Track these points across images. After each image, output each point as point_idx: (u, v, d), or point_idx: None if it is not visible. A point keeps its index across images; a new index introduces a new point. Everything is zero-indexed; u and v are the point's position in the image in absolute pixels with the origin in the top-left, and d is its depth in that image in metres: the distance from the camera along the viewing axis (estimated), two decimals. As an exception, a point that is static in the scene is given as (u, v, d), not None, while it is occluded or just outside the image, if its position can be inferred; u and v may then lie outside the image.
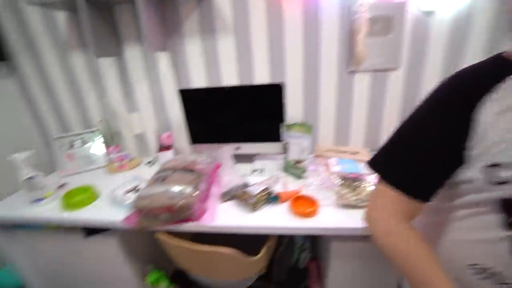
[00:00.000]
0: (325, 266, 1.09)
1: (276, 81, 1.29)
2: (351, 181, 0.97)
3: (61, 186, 1.26)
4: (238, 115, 1.26)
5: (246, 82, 1.33)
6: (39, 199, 1.12)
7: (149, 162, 1.45)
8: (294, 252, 1.35)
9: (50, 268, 1.27)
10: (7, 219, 1.10)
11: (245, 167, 1.28)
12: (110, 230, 1.08)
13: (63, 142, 1.45)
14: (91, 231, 1.09)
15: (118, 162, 1.39)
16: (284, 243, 1.34)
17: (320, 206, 0.94)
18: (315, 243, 1.37)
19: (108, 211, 1.04)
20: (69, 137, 1.46)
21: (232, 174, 1.09)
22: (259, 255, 0.94)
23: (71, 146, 1.45)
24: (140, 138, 1.54)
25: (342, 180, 0.98)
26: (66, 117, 1.57)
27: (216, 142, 1.31)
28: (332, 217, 0.89)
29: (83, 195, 1.10)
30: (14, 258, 1.23)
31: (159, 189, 0.93)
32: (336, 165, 1.03)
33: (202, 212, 0.93)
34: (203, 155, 1.18)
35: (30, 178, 1.08)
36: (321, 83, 1.29)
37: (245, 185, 1.06)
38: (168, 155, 1.34)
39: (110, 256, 1.13)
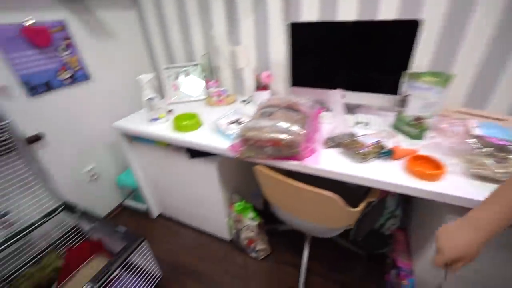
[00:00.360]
0: (420, 239, 0.98)
1: (406, 17, 1.06)
2: (497, 149, 0.77)
3: (169, 111, 1.39)
4: (351, 57, 1.10)
5: (366, 17, 1.13)
6: (155, 119, 1.26)
7: (244, 101, 1.47)
8: (382, 216, 1.26)
9: (157, 177, 1.49)
10: (131, 131, 1.29)
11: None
12: (211, 156, 1.16)
13: (170, 73, 1.56)
14: (195, 154, 1.20)
15: (216, 96, 1.45)
16: (372, 204, 1.25)
17: (446, 171, 0.79)
18: (407, 212, 1.24)
19: (211, 138, 1.10)
20: (176, 69, 1.56)
21: (339, 121, 1.01)
22: (358, 208, 0.89)
23: (177, 77, 1.56)
24: (238, 76, 1.55)
25: (484, 147, 0.80)
26: (173, 49, 1.68)
27: (319, 86, 1.21)
28: (459, 186, 0.75)
29: (191, 121, 1.18)
30: (132, 164, 1.47)
31: (266, 123, 0.92)
32: (476, 128, 0.83)
33: (307, 152, 0.90)
34: (304, 98, 1.11)
35: (151, 99, 1.21)
36: (469, 23, 1.00)
37: (352, 135, 0.97)
38: (264, 95, 1.32)
39: (208, 179, 1.24)
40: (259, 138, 0.89)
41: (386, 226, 1.27)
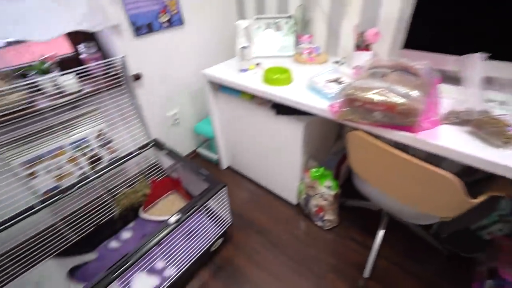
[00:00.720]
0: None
1: None
2: None
3: (257, 64, 1.34)
4: (497, 14, 0.86)
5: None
6: (245, 70, 1.23)
7: (337, 62, 1.32)
8: (487, 217, 1.07)
9: (235, 130, 1.51)
10: (219, 80, 1.29)
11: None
12: (299, 115, 1.10)
13: (260, 24, 1.48)
14: (281, 111, 1.15)
15: (306, 53, 1.33)
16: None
17: None
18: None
19: (304, 95, 1.03)
20: (266, 20, 1.47)
21: (470, 95, 0.82)
22: (477, 199, 0.74)
23: (266, 29, 1.48)
24: (335, 33, 1.39)
25: None
26: (265, -2, 1.58)
27: (443, 50, 1.00)
28: None
29: (282, 75, 1.12)
30: (213, 114, 1.51)
31: (379, 84, 0.79)
32: None
33: (426, 124, 0.76)
34: (420, 63, 0.93)
35: (244, 47, 1.16)
36: None
37: (487, 112, 0.78)
38: (365, 56, 1.16)
39: (290, 139, 1.20)
40: (369, 100, 0.78)
41: (489, 229, 1.08)
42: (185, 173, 1.39)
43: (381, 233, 1.20)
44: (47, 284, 1.06)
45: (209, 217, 1.16)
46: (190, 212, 0.94)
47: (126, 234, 1.38)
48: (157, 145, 1.34)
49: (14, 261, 1.05)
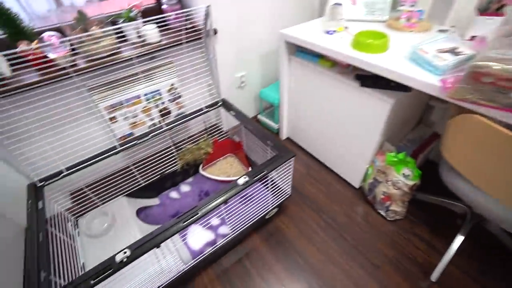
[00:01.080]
0: None
1: None
2: None
3: (346, 28, 1.18)
4: None
5: None
6: (331, 32, 1.09)
7: (443, 30, 1.10)
8: None
9: (304, 99, 1.41)
10: (299, 41, 1.18)
11: None
12: (388, 89, 0.96)
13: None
14: (368, 82, 1.01)
15: (405, 18, 1.13)
16: None
17: None
18: None
19: (402, 66, 0.87)
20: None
21: None
22: None
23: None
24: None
25: None
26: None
27: None
28: None
29: (378, 40, 0.96)
30: (283, 79, 1.42)
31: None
32: None
33: None
34: None
35: (336, 4, 1.02)
36: None
37: None
38: (492, 22, 0.92)
39: (372, 116, 1.07)
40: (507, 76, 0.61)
41: None
42: (248, 138, 1.36)
43: (459, 239, 1.05)
44: (119, 217, 1.17)
45: (269, 186, 1.13)
46: (258, 177, 0.91)
47: (185, 188, 1.45)
48: (226, 105, 1.32)
49: (96, 193, 1.18)
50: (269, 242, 1.21)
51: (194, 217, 0.81)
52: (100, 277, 0.69)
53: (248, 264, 1.15)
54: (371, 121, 1.08)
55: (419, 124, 1.46)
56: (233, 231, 1.09)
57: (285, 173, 1.07)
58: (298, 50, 1.25)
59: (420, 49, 0.86)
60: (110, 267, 0.71)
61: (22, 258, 0.72)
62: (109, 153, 1.10)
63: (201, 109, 1.29)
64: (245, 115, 1.23)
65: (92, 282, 0.69)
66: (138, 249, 0.74)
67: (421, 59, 0.85)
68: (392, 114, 1.01)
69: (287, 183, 1.16)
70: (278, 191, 1.14)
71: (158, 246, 0.76)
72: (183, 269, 1.00)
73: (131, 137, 1.16)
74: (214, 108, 1.32)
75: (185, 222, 0.80)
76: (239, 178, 0.90)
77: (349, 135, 1.24)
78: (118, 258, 0.71)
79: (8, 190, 1.10)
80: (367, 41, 0.96)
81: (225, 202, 0.86)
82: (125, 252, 0.73)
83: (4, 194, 1.14)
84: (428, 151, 1.36)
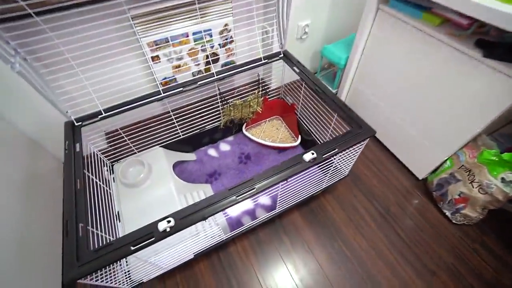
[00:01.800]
0: None
1: None
2: None
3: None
4: None
5: None
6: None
7: None
8: None
9: (384, 64, 1.14)
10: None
11: None
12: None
13: None
14: (494, 52, 0.74)
15: None
16: None
17: None
18: None
19: None
20: None
21: None
22: None
23: None
24: None
25: None
26: None
27: None
28: None
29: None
30: (362, 33, 1.14)
31: None
32: None
33: None
34: None
35: None
36: None
37: None
38: None
39: (482, 96, 0.82)
40: None
41: None
42: (306, 101, 1.16)
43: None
44: (156, 168, 1.09)
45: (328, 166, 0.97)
46: (328, 155, 0.74)
47: (225, 146, 1.33)
48: (288, 58, 1.09)
49: (131, 138, 1.08)
50: (310, 221, 1.10)
51: (250, 192, 0.68)
52: (141, 244, 0.60)
53: (286, 239, 1.05)
54: (479, 105, 0.83)
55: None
56: (276, 206, 0.97)
57: (353, 153, 0.89)
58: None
59: None
60: (151, 235, 0.61)
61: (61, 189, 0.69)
62: (152, 98, 0.96)
63: (257, 60, 1.07)
64: (312, 73, 1.01)
65: (132, 248, 0.60)
66: (183, 220, 0.64)
67: None
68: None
69: (348, 165, 0.99)
70: (335, 171, 0.98)
71: (205, 219, 0.65)
72: (221, 240, 0.92)
73: (176, 84, 1.00)
74: (275, 60, 1.10)
75: (238, 196, 0.67)
76: (304, 154, 0.73)
77: (434, 118, 1.00)
78: (161, 226, 0.61)
79: (51, 125, 1.03)
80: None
81: (286, 179, 0.71)
82: (169, 221, 0.62)
83: (48, 129, 1.07)
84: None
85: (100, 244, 0.72)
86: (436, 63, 0.91)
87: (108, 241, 0.62)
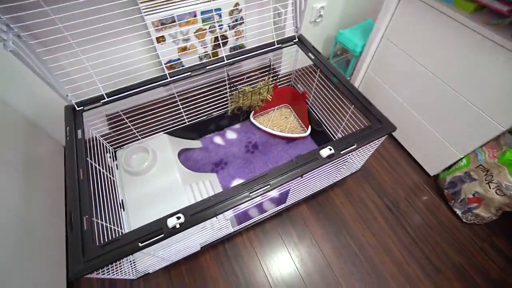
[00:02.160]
0: None
1: None
2: None
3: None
4: None
5: None
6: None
7: None
8: None
9: (402, 53, 1.07)
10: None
11: None
12: None
13: None
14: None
15: None
16: None
17: None
18: None
19: None
20: None
21: None
22: None
23: None
24: None
25: None
26: None
27: None
28: None
29: None
30: (383, 18, 1.06)
31: None
32: None
33: None
34: None
35: None
36: None
37: None
38: None
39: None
40: None
41: None
42: (319, 90, 1.10)
43: None
44: (160, 155, 1.05)
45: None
46: (346, 151, 0.70)
47: (231, 134, 1.28)
48: (302, 42, 1.02)
49: (135, 124, 1.03)
50: (318, 214, 1.08)
51: (265, 188, 0.64)
52: (150, 241, 0.57)
53: (293, 232, 1.04)
54: (508, 102, 0.78)
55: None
56: (287, 202, 0.94)
57: (368, 149, 0.85)
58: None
59: None
60: (160, 231, 0.58)
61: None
62: (159, 83, 0.90)
63: (269, 44, 1.00)
64: (328, 61, 0.94)
65: (140, 245, 0.57)
66: (194, 216, 0.60)
67: None
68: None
69: (361, 160, 0.95)
70: (348, 166, 0.94)
71: (216, 215, 0.62)
72: (228, 233, 0.90)
73: (183, 67, 0.94)
74: (289, 45, 1.02)
75: (252, 192, 0.64)
76: (321, 149, 0.69)
77: (456, 114, 0.95)
78: (170, 223, 0.58)
79: (54, 110, 0.98)
80: None
81: (301, 175, 0.68)
82: (178, 218, 0.59)
83: (50, 114, 1.02)
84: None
85: (105, 234, 0.70)
86: (466, 55, 0.85)
87: (112, 231, 0.59)
